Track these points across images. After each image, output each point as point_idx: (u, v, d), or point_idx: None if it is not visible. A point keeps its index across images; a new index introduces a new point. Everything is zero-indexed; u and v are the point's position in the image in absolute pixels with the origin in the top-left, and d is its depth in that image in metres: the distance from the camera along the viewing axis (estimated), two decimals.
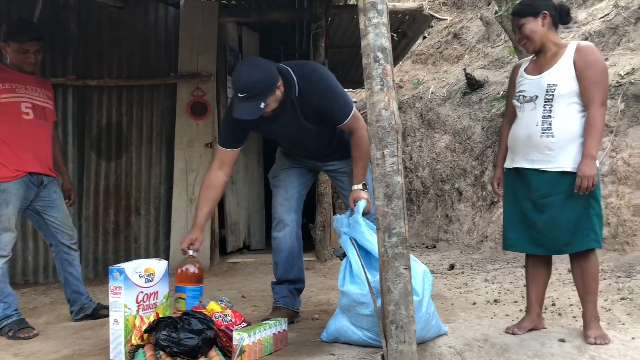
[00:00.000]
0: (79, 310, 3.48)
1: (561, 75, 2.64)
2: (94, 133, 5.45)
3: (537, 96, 2.67)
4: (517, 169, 2.77)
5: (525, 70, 2.81)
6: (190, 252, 2.81)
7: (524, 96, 2.73)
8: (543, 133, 2.64)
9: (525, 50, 2.83)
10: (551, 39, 2.73)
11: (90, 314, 3.47)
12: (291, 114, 2.81)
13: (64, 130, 5.30)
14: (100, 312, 3.45)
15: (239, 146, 2.97)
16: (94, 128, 5.46)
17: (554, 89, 2.63)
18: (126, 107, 5.52)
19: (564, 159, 2.62)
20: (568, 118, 2.62)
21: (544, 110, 2.65)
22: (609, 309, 3.18)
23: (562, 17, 2.77)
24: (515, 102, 2.79)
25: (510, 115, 2.90)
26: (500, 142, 2.96)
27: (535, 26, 2.69)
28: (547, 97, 2.64)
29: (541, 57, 2.76)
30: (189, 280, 2.77)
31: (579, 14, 6.52)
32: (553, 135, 2.62)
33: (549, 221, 2.66)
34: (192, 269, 2.79)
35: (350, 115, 2.82)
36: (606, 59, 5.17)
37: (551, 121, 2.63)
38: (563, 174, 2.62)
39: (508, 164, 2.85)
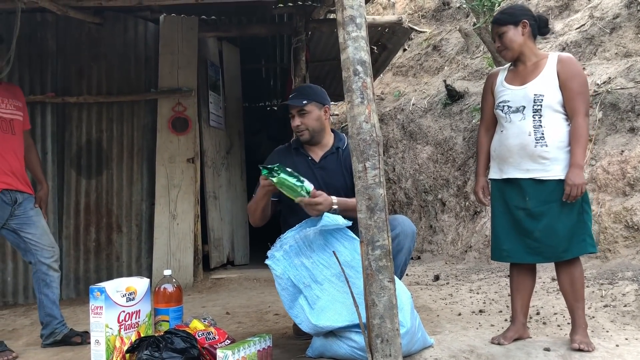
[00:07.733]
0: (50, 334, 3.27)
1: (547, 85, 2.66)
2: (73, 150, 5.39)
3: (524, 107, 2.68)
4: (507, 179, 2.76)
5: (505, 79, 2.82)
6: (167, 272, 2.78)
7: (509, 107, 2.73)
8: (537, 143, 2.65)
9: (504, 59, 2.85)
10: (531, 48, 2.76)
11: (60, 339, 3.26)
12: (334, 160, 2.90)
13: (43, 147, 5.24)
14: (71, 339, 3.25)
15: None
16: (74, 145, 5.40)
17: (542, 99, 2.65)
18: (106, 124, 5.47)
19: (559, 167, 2.64)
20: (557, 127, 2.66)
21: (534, 120, 2.66)
22: (593, 317, 3.20)
23: (540, 28, 2.80)
24: (498, 112, 2.78)
25: (487, 124, 2.91)
26: (480, 150, 2.94)
27: (515, 35, 2.72)
28: (535, 107, 2.66)
29: (521, 66, 2.78)
30: (169, 301, 2.72)
31: (556, 25, 6.62)
32: (547, 145, 2.64)
33: (546, 229, 2.66)
34: (170, 288, 2.75)
35: None
36: (583, 69, 5.24)
37: (543, 130, 2.65)
38: (559, 182, 2.64)
39: (496, 175, 2.82)
